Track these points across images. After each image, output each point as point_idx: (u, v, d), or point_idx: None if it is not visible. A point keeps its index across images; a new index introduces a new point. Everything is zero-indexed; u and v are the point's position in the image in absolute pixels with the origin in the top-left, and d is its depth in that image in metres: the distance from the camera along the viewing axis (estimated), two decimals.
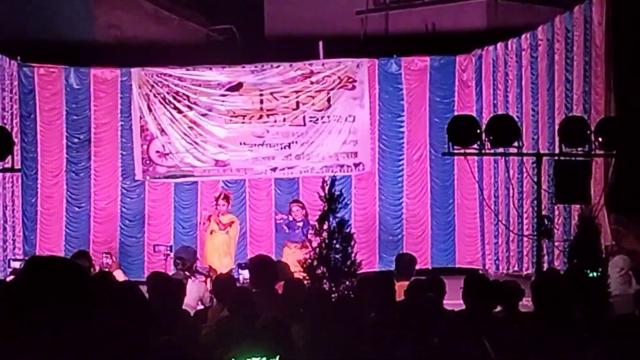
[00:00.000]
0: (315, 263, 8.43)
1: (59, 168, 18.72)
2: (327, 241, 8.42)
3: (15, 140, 15.03)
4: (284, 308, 8.80)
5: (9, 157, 11.70)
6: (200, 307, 11.52)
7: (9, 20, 18.34)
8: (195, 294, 12.07)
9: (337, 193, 8.69)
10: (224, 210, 16.65)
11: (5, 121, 17.25)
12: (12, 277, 13.27)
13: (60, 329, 2.80)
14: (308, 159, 18.91)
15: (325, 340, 6.73)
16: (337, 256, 8.54)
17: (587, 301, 7.95)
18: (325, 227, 8.48)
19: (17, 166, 14.69)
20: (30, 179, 18.48)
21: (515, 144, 13.25)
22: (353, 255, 8.51)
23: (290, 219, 16.66)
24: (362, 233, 17.62)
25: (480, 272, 17.05)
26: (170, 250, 15.87)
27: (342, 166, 18.75)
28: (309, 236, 9.38)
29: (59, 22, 18.56)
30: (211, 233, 16.61)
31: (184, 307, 9.33)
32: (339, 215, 8.74)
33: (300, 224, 16.41)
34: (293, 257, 14.54)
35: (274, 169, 18.99)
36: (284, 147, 18.89)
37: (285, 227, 16.72)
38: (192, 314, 9.89)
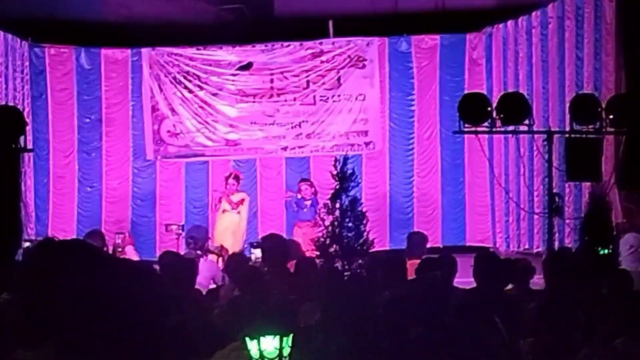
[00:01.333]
0: (327, 241, 8.48)
1: (70, 148, 18.79)
2: (339, 220, 8.47)
3: (27, 120, 15.08)
4: (295, 287, 8.80)
5: (22, 138, 11.75)
6: (213, 286, 11.52)
7: (20, 1, 18.33)
8: (207, 273, 12.10)
9: (349, 171, 8.75)
10: (233, 190, 16.71)
11: (17, 102, 17.28)
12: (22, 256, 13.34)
13: (73, 309, 2.82)
14: (318, 138, 18.95)
15: (337, 318, 6.76)
16: (349, 234, 8.59)
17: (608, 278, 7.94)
18: (338, 205, 8.54)
19: (29, 147, 14.76)
20: (42, 159, 18.57)
21: (526, 121, 13.27)
22: (365, 233, 8.56)
23: (299, 197, 16.71)
24: (372, 212, 17.57)
25: (491, 250, 17.07)
26: (182, 230, 15.92)
27: (352, 145, 18.75)
28: (321, 215, 9.43)
29: (70, 2, 18.53)
30: (223, 212, 16.68)
31: (196, 286, 9.39)
32: (350, 193, 8.79)
33: (309, 202, 16.47)
34: (304, 237, 14.60)
35: (285, 148, 19.04)
36: (295, 127, 18.92)
37: (294, 205, 16.79)
38: (204, 293, 9.90)
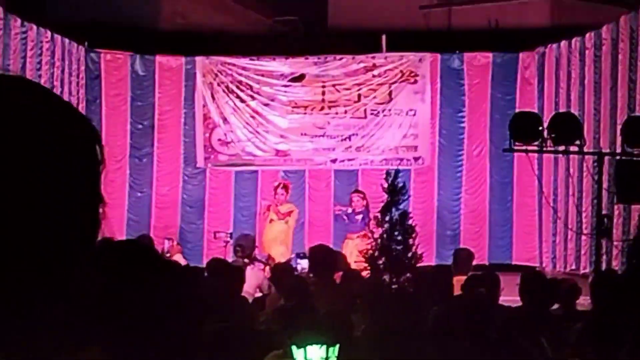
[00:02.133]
0: (376, 254, 8.52)
1: (122, 153, 18.97)
2: (388, 232, 8.52)
3: None
4: (341, 298, 8.87)
5: None
6: (259, 294, 11.60)
7: (77, 6, 18.59)
8: (253, 281, 12.14)
9: (399, 185, 8.80)
10: (282, 199, 16.77)
11: None
12: None
13: (125, 311, 2.76)
14: (368, 152, 19.01)
15: (383, 331, 6.81)
16: (398, 248, 8.63)
17: None
18: (387, 218, 8.59)
19: None
20: None
21: (577, 142, 13.26)
22: (414, 247, 8.59)
23: (350, 210, 16.71)
24: (420, 227, 17.47)
25: (537, 269, 17.01)
26: (230, 238, 16.03)
27: (401, 160, 18.80)
28: (371, 227, 9.49)
29: (126, 9, 18.76)
30: (270, 222, 16.76)
31: (243, 293, 9.48)
32: (400, 207, 8.84)
33: (360, 216, 16.45)
34: (354, 248, 14.65)
35: (334, 161, 19.12)
36: (345, 139, 19.00)
37: (345, 218, 16.80)
38: (250, 301, 10.00)
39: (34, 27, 16.77)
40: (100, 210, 1.36)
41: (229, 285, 8.77)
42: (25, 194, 1.22)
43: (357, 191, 17.30)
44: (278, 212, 16.68)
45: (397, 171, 9.45)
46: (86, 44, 18.57)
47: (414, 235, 8.84)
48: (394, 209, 8.77)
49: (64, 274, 1.28)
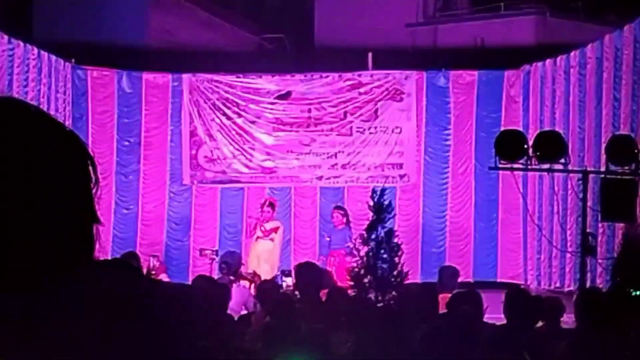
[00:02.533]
0: (362, 272, 8.54)
1: (108, 170, 18.91)
2: (374, 250, 8.53)
3: None
4: (326, 316, 8.86)
5: None
6: (244, 312, 11.58)
7: (64, 23, 18.64)
8: (239, 298, 12.15)
9: (385, 203, 8.83)
10: (268, 217, 16.80)
11: None
12: None
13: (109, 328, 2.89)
14: (354, 169, 19.05)
15: (369, 349, 6.82)
16: (384, 265, 8.64)
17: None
18: (373, 236, 8.60)
19: None
20: None
21: (562, 160, 13.31)
22: (400, 265, 8.60)
23: (327, 238, 16.84)
24: (405, 244, 17.49)
25: (522, 287, 17.05)
26: (216, 255, 16.03)
27: (387, 177, 18.84)
28: (355, 244, 9.51)
29: (113, 26, 18.83)
30: (256, 240, 16.78)
31: (228, 311, 9.46)
32: (386, 225, 8.86)
33: (341, 235, 16.46)
34: (338, 266, 14.70)
35: (320, 178, 19.15)
36: (331, 157, 19.05)
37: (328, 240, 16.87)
38: (235, 319, 9.97)
39: (21, 44, 16.79)
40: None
41: (214, 303, 8.76)
42: (19, 213, 1.24)
43: (338, 207, 17.35)
44: (264, 229, 16.70)
45: (383, 189, 9.48)
46: (73, 61, 18.55)
47: (399, 253, 8.85)
48: (379, 227, 8.79)
49: (59, 292, 1.30)
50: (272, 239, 16.80)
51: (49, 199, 1.27)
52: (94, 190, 1.41)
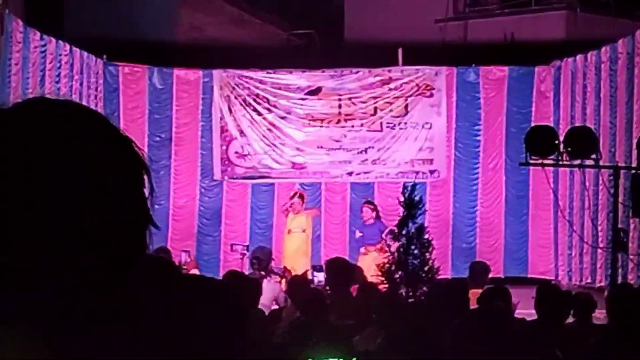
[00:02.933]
0: (393, 267, 8.56)
1: None
2: (405, 246, 8.55)
3: None
4: (356, 311, 8.85)
5: None
6: (275, 307, 11.61)
7: (96, 20, 18.77)
8: (270, 294, 12.16)
9: (416, 199, 8.85)
10: (298, 209, 16.90)
11: None
12: None
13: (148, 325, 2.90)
14: (384, 165, 19.08)
15: (399, 344, 6.84)
16: (414, 261, 8.67)
17: None
18: (404, 232, 8.63)
19: None
20: None
21: (593, 156, 13.28)
22: (431, 261, 8.63)
23: (357, 236, 16.94)
24: (435, 240, 17.55)
25: (553, 282, 17.03)
26: (247, 250, 16.09)
27: (417, 172, 18.85)
28: (387, 240, 9.54)
29: (144, 22, 18.95)
30: (289, 233, 16.87)
31: (259, 306, 9.51)
32: (417, 220, 8.89)
33: (372, 230, 16.53)
34: (370, 261, 14.71)
35: (350, 173, 19.19)
36: (361, 152, 19.08)
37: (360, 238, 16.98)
38: (266, 314, 10.00)
39: (53, 40, 16.90)
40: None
41: (245, 298, 8.79)
42: (77, 216, 1.26)
43: (368, 202, 17.40)
44: (291, 229, 16.84)
45: (414, 185, 9.51)
46: (104, 57, 18.68)
47: (430, 249, 8.87)
48: (410, 223, 8.82)
49: (115, 293, 1.31)
50: (304, 230, 16.90)
51: (103, 203, 1.29)
52: (148, 197, 1.40)
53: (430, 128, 19.03)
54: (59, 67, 17.01)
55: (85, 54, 18.01)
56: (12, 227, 1.24)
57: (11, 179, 1.25)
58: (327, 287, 10.64)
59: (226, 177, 19.29)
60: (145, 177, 1.41)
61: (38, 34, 16.40)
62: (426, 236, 8.97)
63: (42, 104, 1.34)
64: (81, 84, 17.85)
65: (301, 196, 17.20)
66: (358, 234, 17.24)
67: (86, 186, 1.27)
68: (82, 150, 1.29)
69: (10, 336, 1.26)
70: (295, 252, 16.58)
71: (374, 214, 16.75)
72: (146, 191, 1.41)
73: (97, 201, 1.28)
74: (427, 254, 8.87)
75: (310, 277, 13.97)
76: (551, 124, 16.75)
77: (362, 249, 16.55)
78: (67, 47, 17.33)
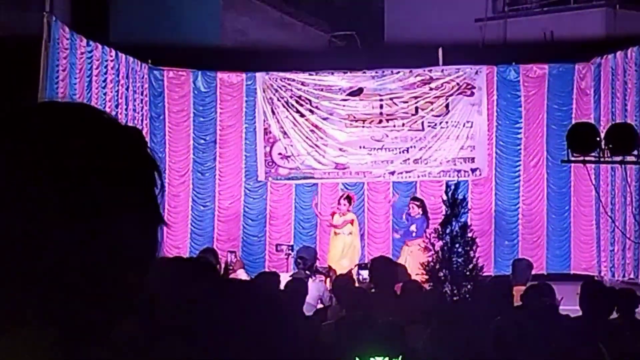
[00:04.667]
0: (437, 266, 8.71)
1: (185, 168, 19.34)
2: (449, 245, 8.69)
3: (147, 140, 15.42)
4: (401, 309, 8.92)
5: None
6: (320, 306, 11.73)
7: (141, 25, 18.99)
8: (315, 293, 12.26)
9: (459, 198, 8.99)
10: (345, 210, 17.08)
11: (136, 122, 17.86)
12: None
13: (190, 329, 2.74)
14: (426, 164, 19.18)
15: (445, 342, 6.94)
16: (459, 260, 8.81)
17: None
18: (448, 231, 8.77)
19: None
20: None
21: (635, 152, 13.34)
22: (475, 259, 8.76)
23: (397, 236, 17.11)
24: (478, 237, 17.67)
25: (596, 278, 17.09)
26: (292, 250, 16.26)
27: (459, 171, 18.96)
28: (430, 238, 9.67)
29: (188, 27, 19.16)
30: (335, 235, 17.06)
31: (304, 305, 9.65)
32: (460, 219, 9.02)
33: (414, 226, 16.67)
34: (412, 257, 14.88)
35: (392, 173, 19.31)
36: (403, 152, 19.20)
37: (403, 217, 17.11)
38: (312, 313, 10.18)
39: (99, 46, 17.15)
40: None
41: (291, 298, 8.86)
42: (85, 217, 1.29)
43: (414, 199, 17.53)
44: (337, 225, 16.99)
45: (457, 184, 9.64)
46: (149, 61, 18.95)
47: (474, 247, 9.01)
48: (454, 222, 8.97)
49: (125, 293, 1.33)
50: (350, 233, 17.05)
51: (113, 202, 1.31)
52: (160, 195, 1.40)
53: (471, 127, 19.11)
54: (105, 73, 17.26)
55: (131, 59, 18.26)
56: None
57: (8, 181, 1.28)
58: (372, 286, 10.75)
59: (270, 178, 19.48)
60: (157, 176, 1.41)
61: (84, 40, 16.61)
62: (470, 234, 9.10)
63: (50, 107, 1.36)
64: (127, 89, 18.08)
65: (349, 198, 17.36)
66: (397, 235, 17.41)
67: (84, 187, 1.29)
68: (78, 153, 1.30)
69: (25, 338, 1.28)
70: (341, 254, 16.73)
71: (420, 210, 16.88)
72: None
73: (98, 201, 1.30)
74: (471, 252, 9.00)
75: (354, 275, 14.13)
76: (592, 121, 16.81)
77: (406, 241, 16.70)
78: (113, 52, 17.57)
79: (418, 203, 17.11)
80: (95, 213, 1.29)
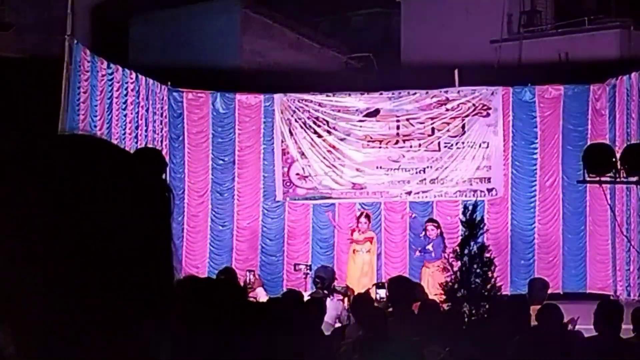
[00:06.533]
0: (455, 286, 8.84)
1: (204, 188, 19.50)
2: (467, 265, 8.83)
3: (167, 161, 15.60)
4: (419, 328, 9.04)
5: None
6: (338, 325, 11.85)
7: (161, 48, 19.25)
8: (333, 312, 12.35)
9: (477, 218, 9.12)
10: (364, 228, 17.28)
11: (155, 143, 18.00)
12: None
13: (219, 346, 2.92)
14: (442, 184, 19.29)
15: None
16: (477, 280, 8.93)
17: None
18: (466, 251, 8.91)
19: None
20: (178, 198, 19.04)
21: None
22: (493, 279, 8.89)
23: (417, 254, 17.26)
24: (494, 257, 17.82)
25: (612, 298, 17.17)
26: (310, 269, 16.40)
27: (475, 191, 19.08)
28: (449, 258, 9.79)
29: (207, 49, 19.41)
30: (354, 252, 17.22)
31: (322, 324, 9.75)
32: (478, 240, 9.16)
33: (430, 246, 16.84)
34: (432, 278, 15.01)
35: (409, 193, 19.43)
36: (419, 172, 19.33)
37: (420, 236, 17.28)
38: (330, 332, 10.28)
39: (119, 68, 17.34)
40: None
41: (310, 317, 8.94)
42: (100, 244, 1.31)
43: (431, 220, 17.68)
44: (358, 240, 17.17)
45: (475, 204, 9.79)
46: (169, 83, 19.12)
47: (492, 268, 9.15)
48: (472, 242, 9.11)
49: (142, 319, 1.35)
50: (368, 251, 17.22)
51: (127, 230, 1.33)
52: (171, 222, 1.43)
53: (487, 147, 19.23)
54: (126, 95, 17.43)
55: (151, 81, 18.43)
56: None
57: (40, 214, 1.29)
58: (389, 305, 10.85)
59: (288, 198, 19.63)
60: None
61: (105, 62, 16.80)
62: (487, 255, 9.25)
63: (64, 142, 1.39)
64: (147, 110, 18.23)
65: (367, 216, 17.55)
66: (417, 254, 17.54)
67: (108, 216, 1.32)
68: (100, 183, 1.33)
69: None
70: (360, 272, 16.90)
71: (438, 232, 17.05)
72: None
73: (123, 233, 1.33)
74: (489, 273, 9.15)
75: (372, 294, 14.24)
76: (607, 142, 16.91)
77: (425, 263, 16.87)
78: (133, 74, 17.75)
79: (436, 224, 17.28)
80: (116, 239, 1.31)
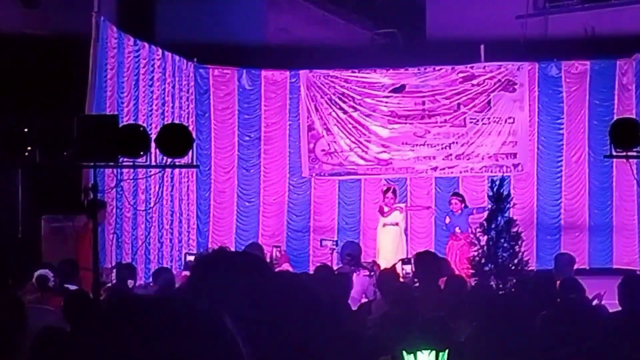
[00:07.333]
0: (482, 260, 8.86)
1: (231, 164, 19.59)
2: (494, 239, 8.84)
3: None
4: (445, 303, 9.02)
5: (189, 153, 12.08)
6: (365, 300, 11.89)
7: (187, 24, 19.26)
8: (359, 287, 12.43)
9: (504, 193, 9.12)
10: (391, 202, 17.37)
11: (182, 119, 18.06)
12: (186, 272, 13.66)
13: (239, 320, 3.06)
14: (468, 159, 19.31)
15: (489, 336, 7.07)
16: (504, 254, 8.95)
17: None
18: (493, 226, 8.92)
19: (194, 162, 15.41)
20: (204, 174, 19.36)
21: None
22: (520, 254, 8.89)
23: (446, 223, 17.28)
24: (521, 231, 17.82)
25: (638, 272, 17.15)
26: (336, 245, 16.43)
27: (501, 166, 19.08)
28: (476, 232, 9.79)
29: (233, 26, 19.39)
30: (383, 226, 17.31)
31: (349, 299, 9.82)
32: (505, 214, 9.16)
33: (459, 217, 16.90)
34: (460, 251, 15.06)
35: (435, 169, 19.47)
36: (445, 147, 19.35)
37: (446, 220, 17.34)
38: (356, 307, 10.27)
39: (146, 45, 17.35)
40: None
41: (337, 292, 9.00)
42: None
43: (455, 194, 17.71)
44: (387, 210, 17.30)
45: (502, 179, 9.80)
46: (195, 60, 19.17)
47: (520, 242, 9.16)
48: (499, 216, 9.13)
49: None
50: (396, 223, 17.30)
51: None
52: None
53: (513, 122, 19.22)
54: (152, 71, 17.45)
55: (177, 57, 18.47)
56: None
57: None
58: (416, 280, 10.90)
59: (314, 174, 19.71)
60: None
61: (132, 39, 16.80)
62: (515, 229, 9.27)
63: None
64: (173, 87, 18.30)
65: (394, 190, 17.63)
66: (447, 220, 17.55)
67: None
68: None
69: None
70: (390, 245, 16.99)
71: (462, 205, 17.11)
72: None
73: None
74: (517, 247, 9.16)
75: (399, 270, 14.29)
76: (634, 116, 16.85)
77: (452, 236, 16.92)
78: (160, 51, 17.78)
79: (460, 198, 17.32)
80: None
